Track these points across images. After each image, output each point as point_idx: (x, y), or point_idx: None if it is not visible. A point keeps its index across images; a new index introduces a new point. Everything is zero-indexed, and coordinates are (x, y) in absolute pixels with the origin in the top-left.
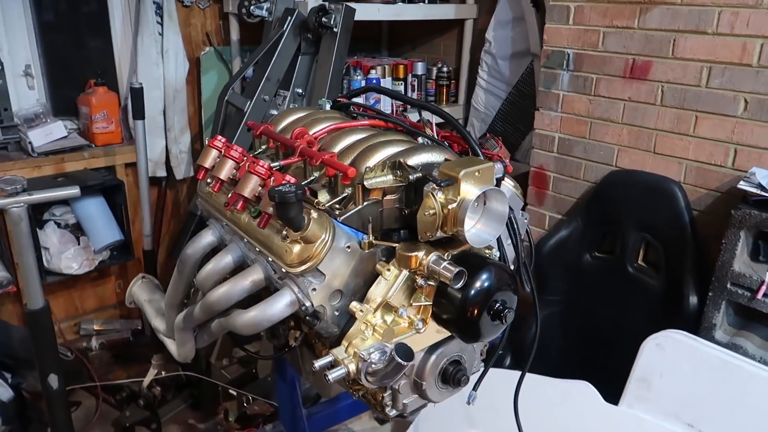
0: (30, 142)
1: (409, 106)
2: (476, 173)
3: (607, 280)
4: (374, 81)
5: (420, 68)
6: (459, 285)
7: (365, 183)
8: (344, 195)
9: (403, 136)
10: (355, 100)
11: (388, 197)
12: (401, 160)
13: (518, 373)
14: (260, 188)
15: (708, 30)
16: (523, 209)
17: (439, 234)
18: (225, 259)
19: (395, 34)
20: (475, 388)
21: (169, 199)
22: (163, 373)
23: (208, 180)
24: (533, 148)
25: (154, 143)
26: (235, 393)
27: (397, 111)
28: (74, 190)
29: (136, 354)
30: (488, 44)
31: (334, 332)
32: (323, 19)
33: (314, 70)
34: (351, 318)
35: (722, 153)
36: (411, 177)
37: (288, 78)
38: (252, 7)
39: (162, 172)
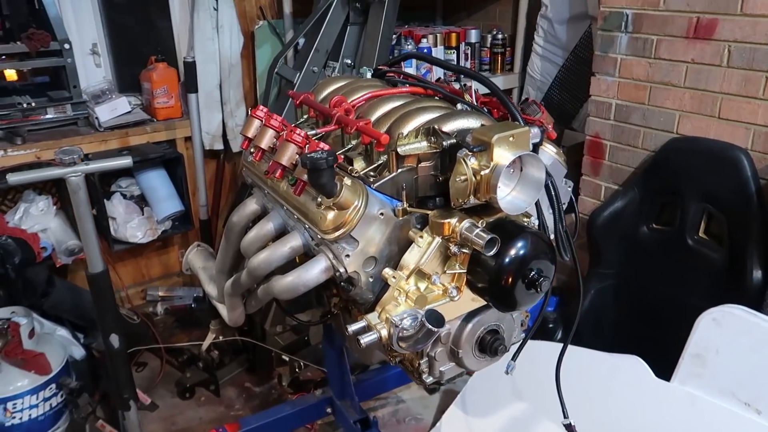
0: (97, 118)
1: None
2: (510, 138)
3: (665, 253)
4: (425, 50)
5: (474, 36)
6: (491, 252)
7: (398, 149)
8: (379, 162)
9: (441, 103)
10: (397, 68)
11: (422, 164)
12: (435, 126)
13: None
14: (297, 156)
15: None
16: (568, 177)
17: (473, 201)
18: (266, 226)
19: (450, 2)
20: (514, 358)
21: (227, 171)
22: (220, 337)
23: (251, 150)
24: (588, 116)
25: (211, 117)
26: (287, 359)
27: (446, 78)
28: (126, 160)
29: (197, 319)
30: (545, 8)
31: (368, 298)
32: None
33: (363, 40)
34: (385, 285)
35: None
36: (445, 143)
37: (337, 49)
38: None
39: (219, 146)
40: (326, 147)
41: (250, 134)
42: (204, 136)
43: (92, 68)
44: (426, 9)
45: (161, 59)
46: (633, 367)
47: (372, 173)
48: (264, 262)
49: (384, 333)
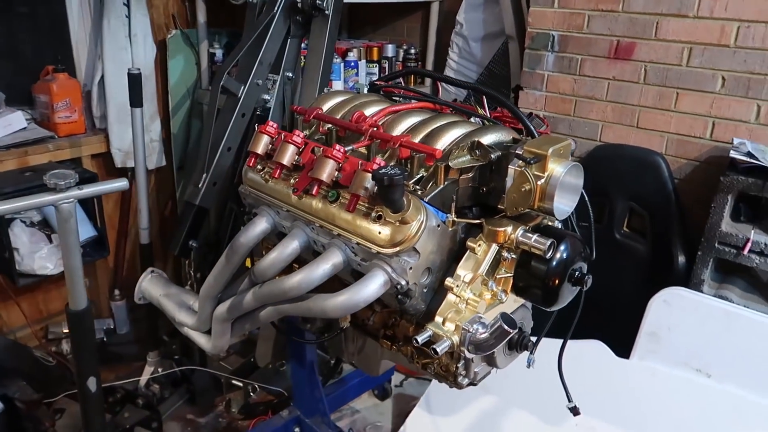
0: None
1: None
2: (560, 150)
3: (596, 247)
4: (352, 64)
5: (390, 50)
6: (550, 255)
7: (450, 163)
8: (420, 176)
9: (458, 117)
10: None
11: (463, 176)
12: (479, 140)
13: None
14: (336, 172)
15: (689, 13)
16: None
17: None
18: (291, 246)
19: (355, 15)
20: (532, 352)
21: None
22: (159, 370)
23: (259, 167)
24: None
25: (124, 132)
26: (240, 383)
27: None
28: (122, 183)
29: (114, 354)
30: (459, 26)
31: (421, 309)
32: (317, 1)
33: (308, 53)
34: (436, 293)
35: (701, 126)
36: (492, 156)
37: (277, 62)
38: None
39: (132, 163)
40: (382, 162)
41: (260, 150)
42: (115, 153)
43: None
44: None
45: (61, 69)
46: (595, 350)
47: (417, 186)
48: (303, 282)
49: (456, 339)
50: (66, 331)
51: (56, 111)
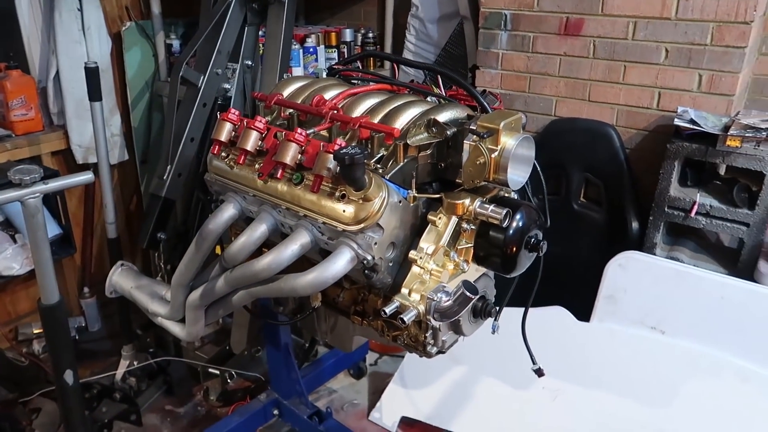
0: None
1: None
2: (512, 124)
3: (555, 218)
4: (311, 49)
5: (348, 35)
6: (506, 224)
7: (408, 141)
8: (380, 155)
9: (415, 97)
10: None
11: (422, 153)
12: (435, 118)
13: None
14: (299, 155)
15: None
16: None
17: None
18: (260, 229)
19: (312, 2)
20: (496, 319)
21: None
22: (135, 363)
23: (223, 154)
24: None
25: (83, 128)
26: (218, 371)
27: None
28: (88, 176)
29: (88, 351)
30: (415, 8)
31: (387, 282)
32: None
33: (266, 40)
34: (401, 266)
35: (648, 97)
36: (448, 132)
37: (235, 50)
38: None
39: (94, 158)
40: (343, 143)
41: (223, 138)
42: (76, 149)
43: None
44: None
45: (14, 66)
46: (558, 315)
47: (378, 165)
48: (273, 263)
49: (422, 308)
50: (36, 331)
51: (11, 109)
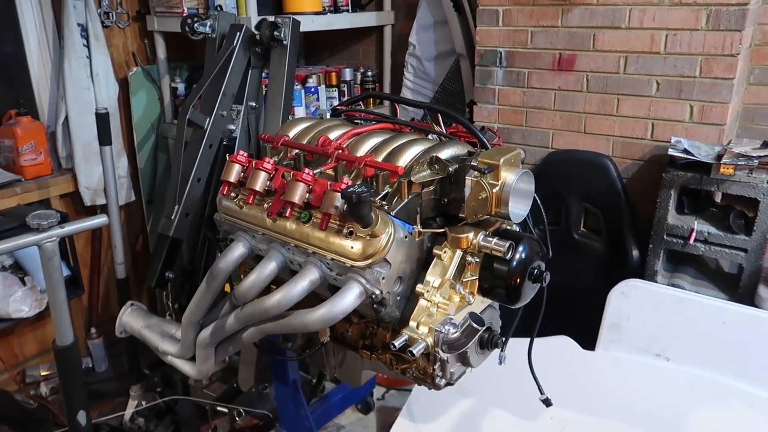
0: None
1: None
2: (511, 159)
3: (556, 248)
4: (312, 89)
5: (348, 74)
6: (509, 256)
7: (412, 178)
8: (385, 192)
9: (417, 135)
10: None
11: (425, 190)
12: (437, 155)
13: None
14: (307, 194)
15: (622, 25)
16: None
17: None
18: (269, 266)
19: (312, 42)
20: (502, 350)
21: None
22: (143, 403)
23: (232, 194)
24: None
25: (91, 171)
26: (225, 409)
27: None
28: (102, 219)
29: (95, 392)
30: (412, 47)
31: (395, 316)
32: (275, 32)
33: (269, 82)
34: (408, 300)
35: (642, 128)
36: (450, 169)
37: (240, 92)
38: (196, 25)
39: (102, 200)
40: (349, 182)
41: (233, 179)
42: (84, 192)
43: None
44: None
45: (24, 112)
46: (563, 345)
47: (383, 201)
48: (283, 300)
49: (430, 341)
50: (44, 373)
51: (22, 154)
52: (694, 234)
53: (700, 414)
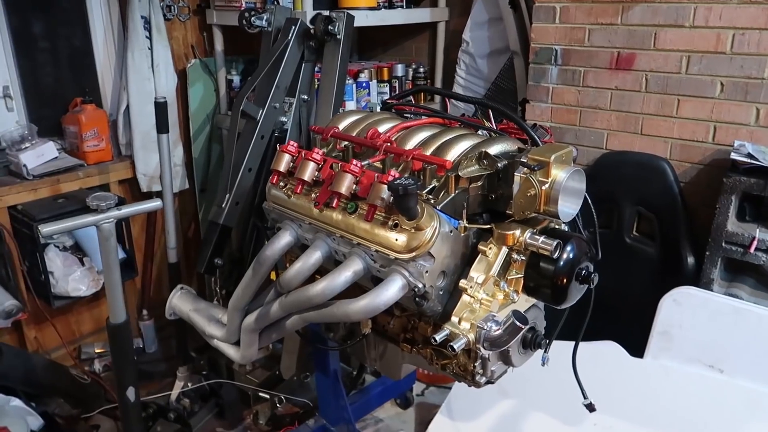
0: (24, 165)
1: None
2: (562, 157)
3: (607, 252)
4: (364, 84)
5: (400, 70)
6: (557, 255)
7: (460, 173)
8: (432, 186)
9: (466, 130)
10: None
11: (473, 185)
12: (486, 150)
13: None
14: (354, 186)
15: (685, 23)
16: None
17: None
18: (314, 256)
19: (365, 38)
20: (546, 351)
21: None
22: (189, 384)
23: (281, 184)
24: None
25: (149, 158)
26: (267, 396)
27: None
28: (157, 203)
29: (144, 372)
30: (466, 44)
31: (438, 310)
32: (329, 27)
33: (321, 76)
34: (451, 295)
35: (703, 130)
36: (499, 165)
37: (293, 86)
38: (253, 19)
39: (158, 187)
40: (396, 174)
41: (282, 168)
42: (141, 178)
43: (3, 113)
44: None
45: (89, 101)
46: (610, 350)
47: (429, 195)
48: (327, 289)
49: (471, 337)
50: (98, 350)
51: (85, 140)
52: (755, 242)
53: (755, 430)
